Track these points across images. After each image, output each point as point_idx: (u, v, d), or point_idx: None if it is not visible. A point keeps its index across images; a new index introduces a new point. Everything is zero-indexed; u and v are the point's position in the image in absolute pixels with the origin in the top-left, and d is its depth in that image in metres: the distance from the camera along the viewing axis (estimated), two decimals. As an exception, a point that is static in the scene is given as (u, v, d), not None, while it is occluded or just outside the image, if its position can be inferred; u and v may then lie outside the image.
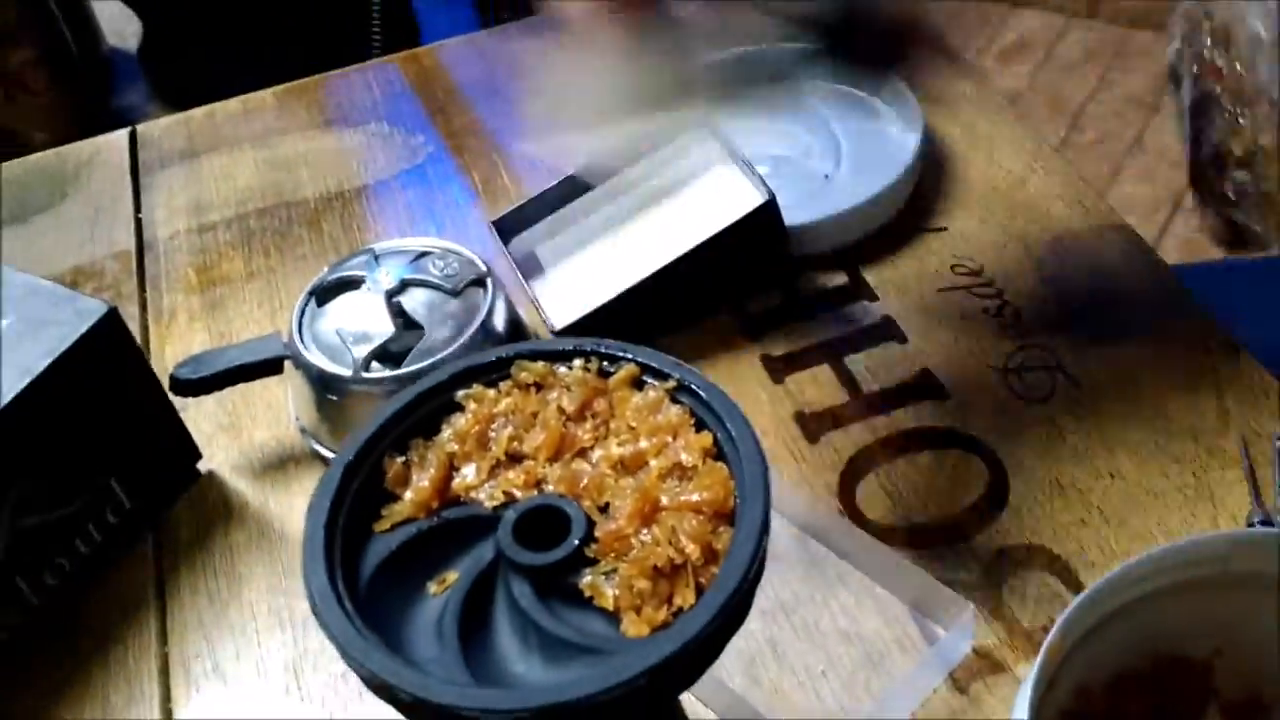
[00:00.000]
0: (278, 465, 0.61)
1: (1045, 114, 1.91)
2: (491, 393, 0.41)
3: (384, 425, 0.40)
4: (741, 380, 0.61)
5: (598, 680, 0.33)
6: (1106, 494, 0.54)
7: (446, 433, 0.40)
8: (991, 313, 0.63)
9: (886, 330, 0.63)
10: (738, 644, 0.51)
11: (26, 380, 0.51)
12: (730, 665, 0.51)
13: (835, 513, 0.55)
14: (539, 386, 0.41)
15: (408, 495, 0.40)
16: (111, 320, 0.55)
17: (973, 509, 0.55)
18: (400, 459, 0.40)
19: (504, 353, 0.42)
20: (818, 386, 0.61)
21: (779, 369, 0.62)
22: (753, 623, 0.52)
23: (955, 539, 0.54)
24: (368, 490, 0.40)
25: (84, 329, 0.53)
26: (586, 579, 0.37)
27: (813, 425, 0.59)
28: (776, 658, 0.51)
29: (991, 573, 0.52)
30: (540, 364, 0.41)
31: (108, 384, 0.55)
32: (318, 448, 0.61)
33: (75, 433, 0.54)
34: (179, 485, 0.60)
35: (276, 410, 0.64)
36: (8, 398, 0.50)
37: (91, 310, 0.54)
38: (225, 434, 0.63)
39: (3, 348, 0.52)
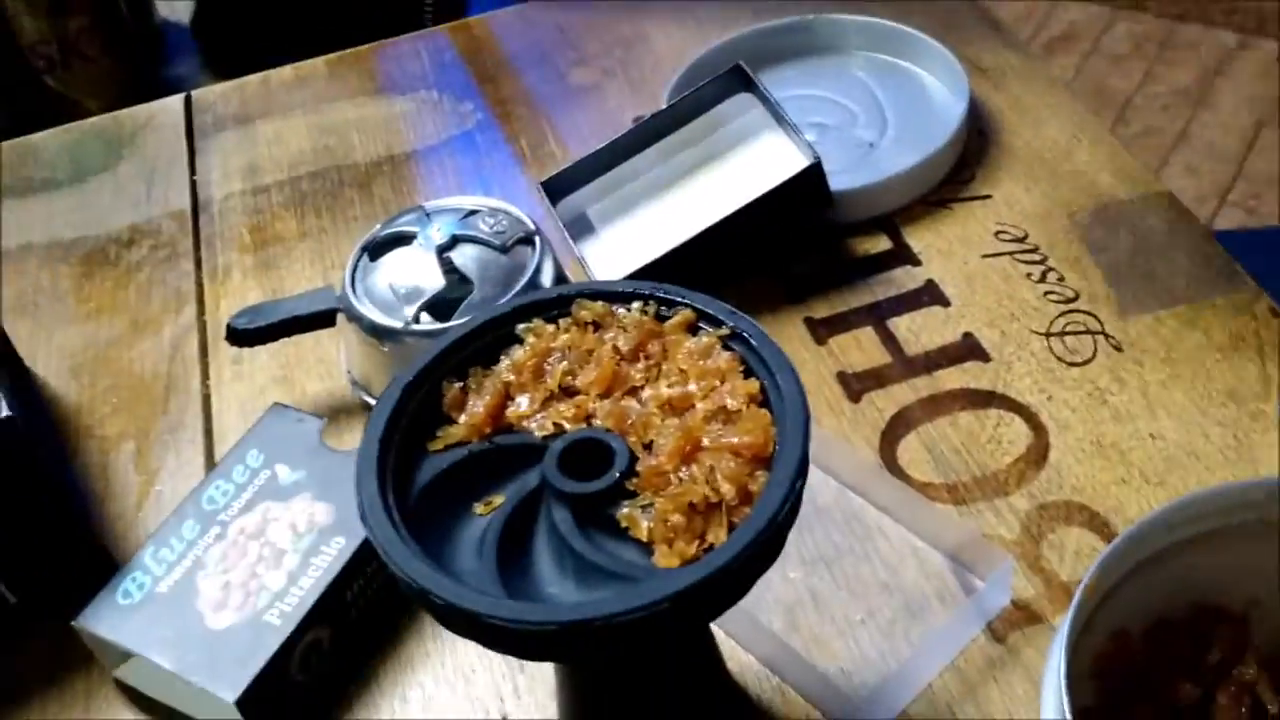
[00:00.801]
0: (329, 416, 0.63)
1: (1091, 106, 1.90)
2: (551, 328, 0.42)
3: (445, 351, 0.41)
4: (784, 341, 0.62)
5: (622, 601, 0.34)
6: (1147, 454, 0.55)
7: (504, 363, 0.42)
8: (1035, 278, 0.63)
9: (929, 294, 0.63)
10: (778, 592, 0.52)
11: None
12: (771, 612, 0.52)
13: (877, 466, 0.56)
14: (597, 326, 0.42)
15: (462, 419, 0.41)
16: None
17: (1013, 467, 0.55)
18: (458, 385, 0.41)
19: (566, 291, 0.43)
20: (860, 348, 0.61)
21: (822, 331, 0.63)
22: (793, 572, 0.53)
23: (995, 495, 0.54)
24: (425, 411, 0.41)
25: None
26: (624, 510, 0.38)
27: (855, 385, 0.60)
28: (817, 607, 0.52)
29: (1030, 528, 0.53)
30: (600, 304, 0.42)
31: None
32: (368, 399, 0.62)
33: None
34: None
35: (328, 364, 0.65)
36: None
37: None
38: (278, 386, 0.65)
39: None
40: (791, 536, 0.37)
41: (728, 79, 0.68)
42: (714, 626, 0.46)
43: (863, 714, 0.47)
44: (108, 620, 0.50)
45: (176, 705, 0.51)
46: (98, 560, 0.55)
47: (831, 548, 0.54)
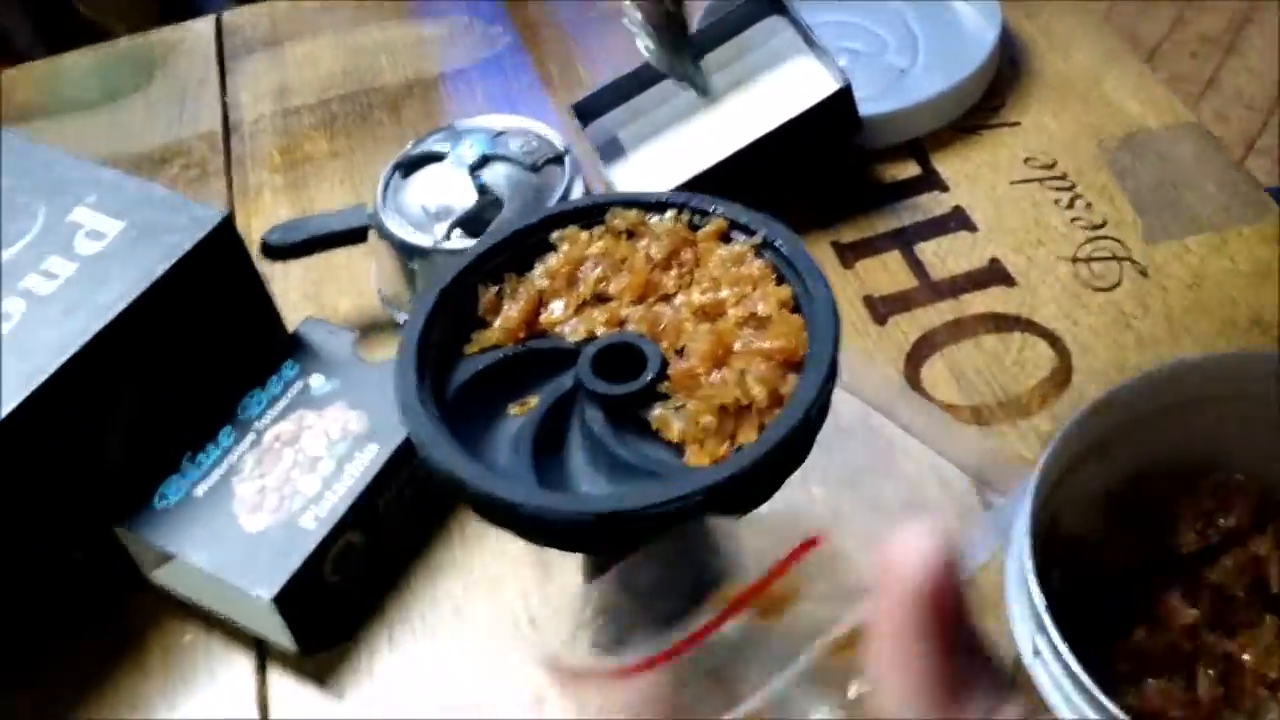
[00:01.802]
0: (360, 332, 0.64)
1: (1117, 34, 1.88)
2: (584, 235, 0.43)
3: (481, 256, 0.42)
4: (812, 264, 0.62)
5: (655, 494, 0.35)
6: (1170, 378, 0.55)
7: (539, 269, 0.42)
8: (1063, 205, 0.63)
9: (957, 220, 0.64)
10: (801, 507, 0.53)
11: (146, 284, 0.52)
12: (794, 530, 0.53)
13: (901, 386, 0.57)
14: (630, 234, 0.43)
15: (497, 323, 0.42)
16: (225, 227, 0.54)
17: (1036, 389, 0.56)
18: (494, 289, 0.42)
19: (600, 200, 0.43)
20: (887, 272, 0.62)
21: (849, 255, 0.63)
22: (816, 489, 0.54)
23: (1017, 417, 0.55)
24: (461, 315, 0.42)
25: (200, 235, 0.53)
26: (656, 412, 0.39)
27: (881, 308, 0.60)
28: (839, 526, 0.53)
29: (1053, 449, 0.53)
30: (634, 212, 0.43)
31: (219, 291, 0.56)
32: (397, 315, 0.63)
33: (187, 339, 0.54)
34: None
35: (359, 281, 0.66)
36: (127, 301, 0.51)
37: (207, 218, 0.54)
38: (309, 302, 0.65)
39: (119, 252, 0.53)
40: (815, 454, 0.38)
41: (759, 2, 0.68)
42: (740, 536, 0.47)
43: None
44: (146, 523, 0.51)
45: (212, 606, 0.52)
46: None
47: (855, 466, 0.54)
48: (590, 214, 0.43)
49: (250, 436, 0.54)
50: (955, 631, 0.25)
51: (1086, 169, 0.65)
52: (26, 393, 0.48)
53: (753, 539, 0.28)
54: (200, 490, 0.52)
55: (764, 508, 0.38)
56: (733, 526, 0.28)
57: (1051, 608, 0.40)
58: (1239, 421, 0.45)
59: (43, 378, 0.49)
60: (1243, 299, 0.58)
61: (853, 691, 0.26)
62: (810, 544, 0.27)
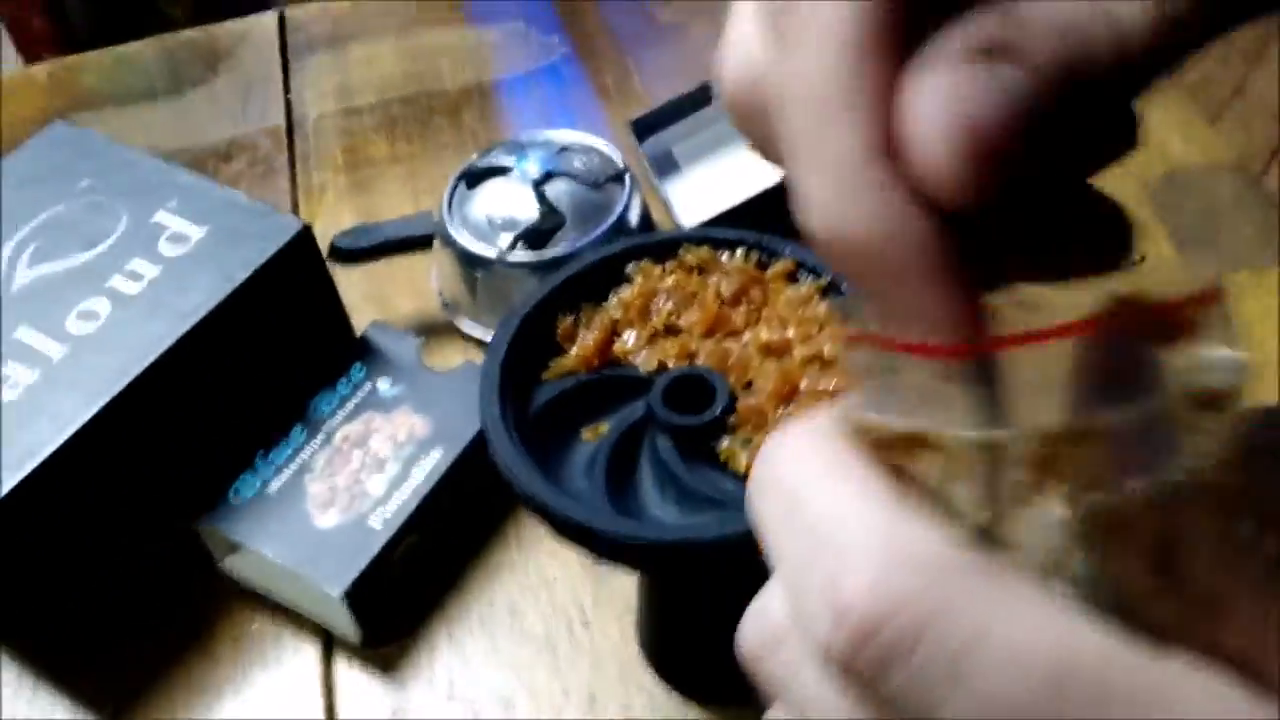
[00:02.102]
0: (419, 333, 0.66)
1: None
2: (658, 270, 0.45)
3: (559, 286, 0.45)
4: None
5: (727, 525, 0.37)
6: (1202, 415, 0.57)
7: (614, 300, 0.45)
8: (1103, 239, 0.65)
9: (1001, 249, 0.66)
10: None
11: (228, 288, 0.54)
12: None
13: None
14: (701, 269, 0.45)
15: (573, 350, 0.44)
16: (304, 236, 0.57)
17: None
18: (571, 318, 0.44)
19: (673, 235, 0.46)
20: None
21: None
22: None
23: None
24: (540, 342, 0.44)
25: (281, 243, 0.56)
26: (724, 444, 0.41)
27: (924, 333, 0.62)
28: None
29: (1087, 479, 0.56)
30: (705, 249, 0.45)
31: (296, 296, 0.58)
32: (458, 321, 0.66)
33: (264, 341, 0.57)
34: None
35: (418, 284, 0.68)
36: (210, 305, 0.53)
37: (287, 226, 0.56)
38: (372, 304, 0.68)
39: (200, 257, 0.55)
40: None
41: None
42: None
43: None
44: (223, 517, 0.54)
45: (281, 596, 0.55)
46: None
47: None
48: (664, 248, 0.46)
49: (320, 436, 0.56)
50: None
51: (1129, 202, 0.67)
52: (115, 391, 0.51)
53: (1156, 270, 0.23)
54: (273, 487, 0.55)
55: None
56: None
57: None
58: None
59: (129, 378, 0.51)
60: (1274, 337, 0.60)
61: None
62: (1221, 292, 0.22)
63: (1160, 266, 0.32)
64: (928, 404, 0.22)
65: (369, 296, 0.68)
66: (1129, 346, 0.22)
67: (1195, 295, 0.22)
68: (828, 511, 0.23)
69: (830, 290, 0.43)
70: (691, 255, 0.45)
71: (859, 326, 0.23)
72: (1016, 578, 0.21)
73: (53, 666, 0.54)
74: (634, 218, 0.64)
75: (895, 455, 0.23)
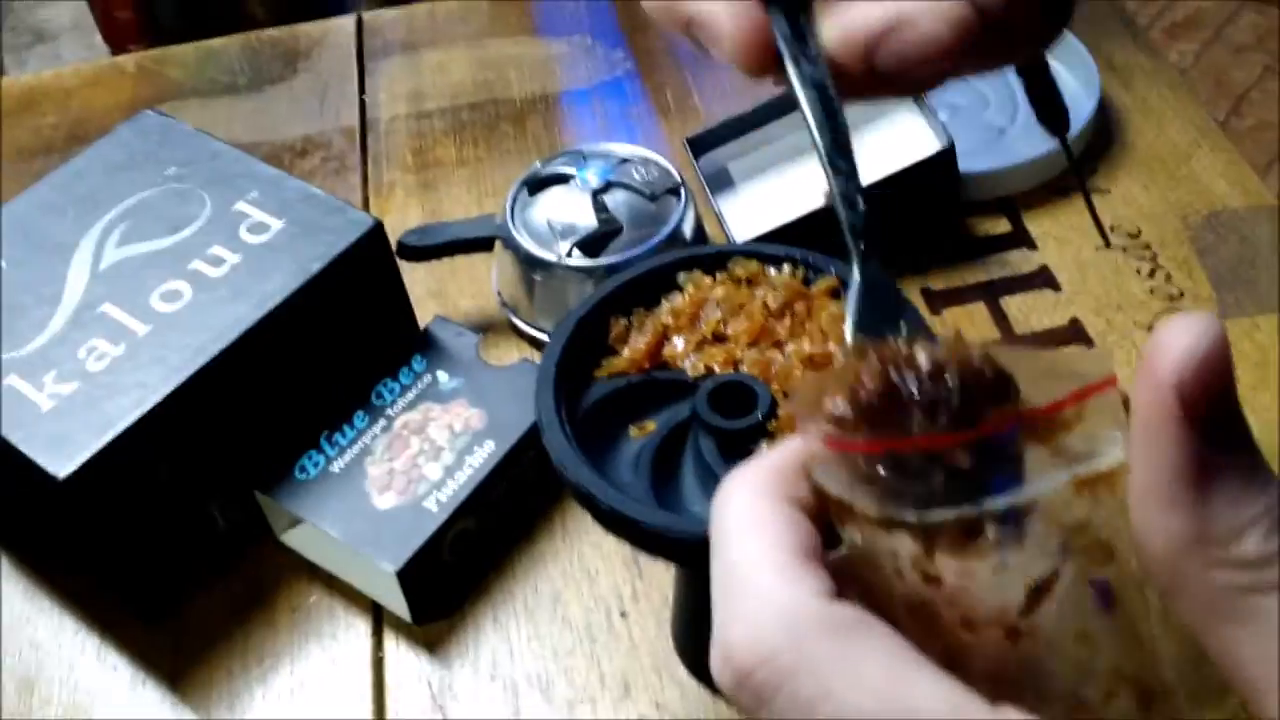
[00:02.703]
0: (478, 330, 0.69)
1: (1207, 95, 1.90)
2: (708, 280, 0.48)
3: (614, 291, 0.47)
4: (901, 308, 0.67)
5: None
6: (1229, 449, 0.59)
7: (665, 307, 0.47)
8: (1144, 274, 0.67)
9: (1042, 278, 0.68)
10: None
11: (304, 278, 0.57)
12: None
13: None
14: (750, 282, 0.48)
15: (625, 352, 0.47)
16: (376, 231, 0.60)
17: (1102, 447, 0.60)
18: (624, 321, 0.47)
19: (725, 249, 0.48)
20: (972, 322, 0.66)
21: (938, 302, 0.68)
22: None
23: (1083, 471, 0.59)
24: (593, 343, 0.47)
25: (354, 238, 0.59)
26: (764, 448, 0.44)
27: (963, 356, 0.65)
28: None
29: (1113, 504, 0.58)
30: (754, 263, 0.48)
31: (366, 288, 0.61)
32: (515, 320, 0.69)
33: (333, 329, 0.60)
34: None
35: (479, 283, 0.71)
36: (286, 292, 0.56)
37: (361, 221, 0.60)
38: (434, 299, 0.71)
39: (278, 247, 0.59)
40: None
41: (872, 56, 0.72)
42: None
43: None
44: (287, 493, 0.57)
45: (336, 571, 0.58)
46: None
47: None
48: (715, 260, 0.48)
49: (382, 422, 0.59)
50: (1212, 423, 0.24)
51: (1169, 241, 0.69)
52: (195, 368, 0.54)
53: (1047, 369, 0.29)
54: (336, 467, 0.58)
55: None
56: (1027, 356, 0.29)
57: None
58: None
59: (208, 356, 0.55)
60: (1305, 380, 0.62)
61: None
62: (1107, 383, 0.27)
63: (1069, 355, 0.38)
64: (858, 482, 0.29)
65: (432, 293, 0.71)
66: (1010, 447, 0.28)
67: (1073, 395, 0.27)
68: (736, 559, 0.29)
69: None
70: (741, 268, 0.48)
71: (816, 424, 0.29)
72: (869, 634, 0.26)
73: (117, 625, 0.58)
74: (688, 230, 0.67)
75: (839, 511, 0.29)
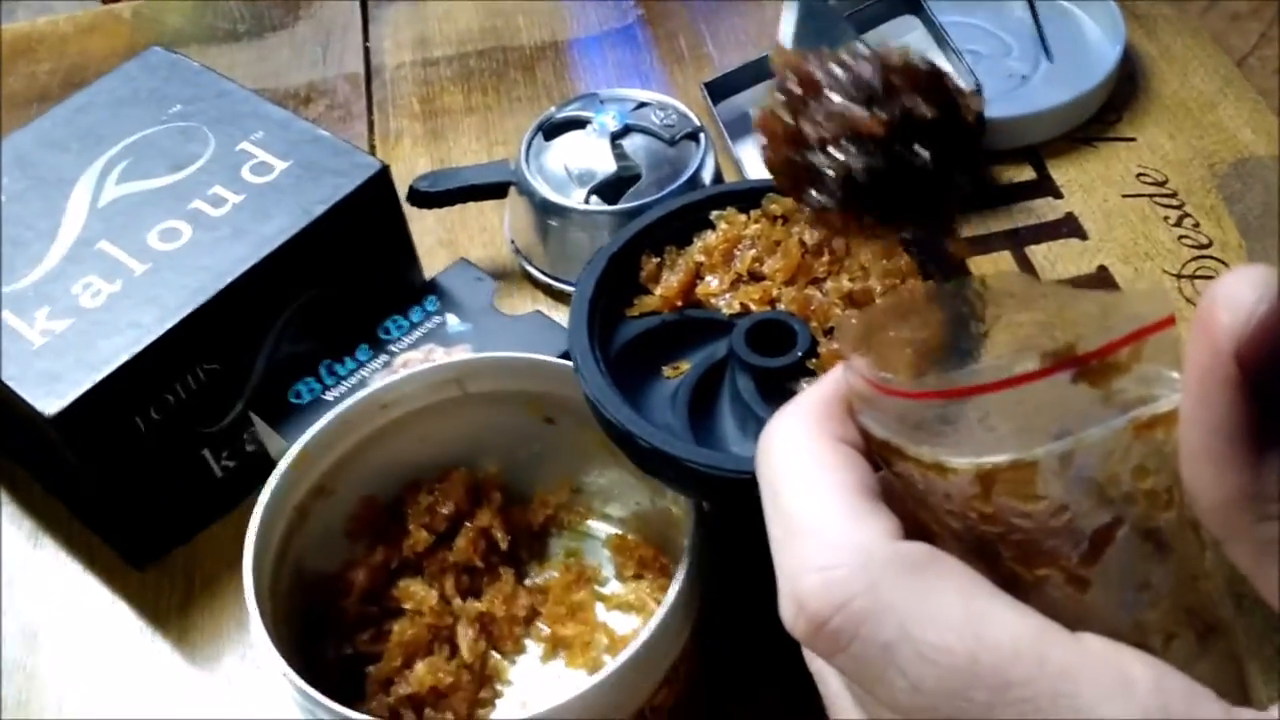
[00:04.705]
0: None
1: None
2: (742, 217, 0.46)
3: (646, 228, 0.46)
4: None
5: None
6: (1262, 398, 0.58)
7: (697, 244, 0.46)
8: (1171, 222, 0.66)
9: (1068, 226, 0.66)
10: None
11: (306, 220, 0.56)
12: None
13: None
14: (784, 219, 0.46)
15: (658, 291, 0.45)
16: (382, 176, 0.58)
17: (1132, 396, 0.59)
18: (656, 259, 0.46)
19: (758, 184, 0.47)
20: (998, 270, 0.65)
21: (964, 250, 0.66)
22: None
23: (1113, 420, 0.58)
24: (625, 280, 0.45)
25: (360, 181, 0.57)
26: (803, 386, 0.42)
27: (988, 305, 0.63)
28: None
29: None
30: (790, 199, 0.46)
31: (370, 232, 0.59)
32: (529, 268, 0.67)
33: (337, 270, 0.58)
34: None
35: (490, 232, 0.70)
36: (288, 235, 0.55)
37: (367, 164, 0.58)
38: (444, 248, 0.69)
39: (282, 188, 0.57)
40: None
41: (896, -1, 0.71)
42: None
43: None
44: (278, 415, 0.55)
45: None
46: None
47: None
48: (748, 197, 0.47)
49: (384, 357, 0.58)
50: (1270, 388, 0.23)
51: (1196, 190, 0.67)
52: (191, 308, 0.53)
53: (1102, 310, 0.28)
54: (330, 395, 0.56)
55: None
56: (1082, 297, 0.29)
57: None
58: (435, 428, 0.51)
59: (206, 296, 0.53)
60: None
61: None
62: (1165, 323, 0.26)
63: (1125, 296, 0.38)
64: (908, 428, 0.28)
65: (443, 241, 0.70)
66: (1063, 390, 0.27)
67: (1130, 334, 0.26)
68: (799, 505, 0.28)
69: (913, 243, 0.45)
70: (776, 205, 0.46)
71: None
72: (943, 571, 0.26)
73: (122, 571, 0.56)
74: (707, 175, 0.65)
75: (885, 452, 0.29)
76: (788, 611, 0.27)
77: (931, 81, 0.32)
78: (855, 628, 0.26)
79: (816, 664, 0.31)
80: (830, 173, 0.32)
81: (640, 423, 0.40)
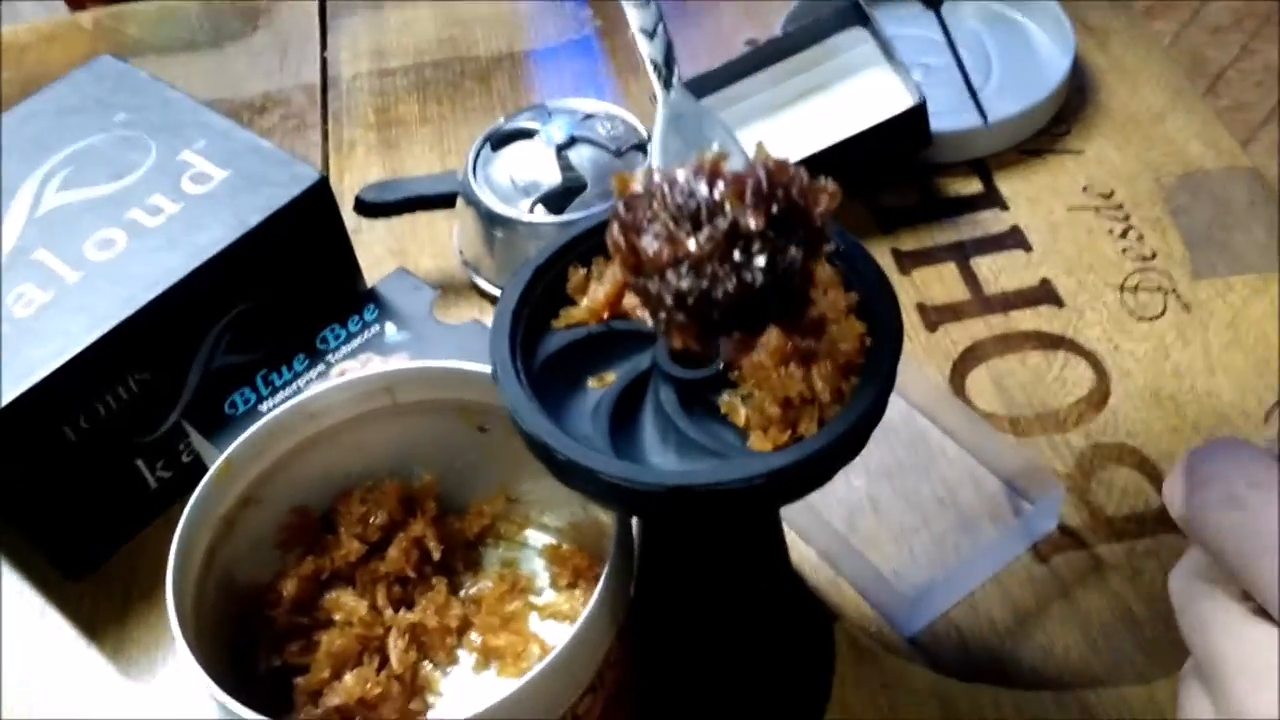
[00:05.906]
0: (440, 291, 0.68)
1: (1184, 74, 1.89)
2: (670, 229, 0.46)
3: (573, 240, 0.46)
4: (870, 268, 0.66)
5: (725, 472, 0.38)
6: (1201, 410, 0.58)
7: (626, 256, 0.46)
8: (1116, 234, 0.66)
9: (1013, 238, 0.67)
10: (842, 495, 0.57)
11: (241, 230, 0.55)
12: (833, 512, 0.56)
13: (946, 391, 0.60)
14: (712, 230, 0.46)
15: (584, 302, 0.45)
16: (321, 186, 0.58)
17: (1074, 407, 0.59)
18: (583, 270, 0.46)
19: (685, 194, 0.47)
20: (942, 283, 0.65)
21: (907, 263, 0.66)
22: (857, 480, 0.57)
23: (1053, 431, 0.58)
24: (551, 292, 0.45)
25: (297, 192, 0.57)
26: (725, 398, 0.42)
27: (933, 316, 0.64)
28: (876, 513, 0.56)
29: (1083, 465, 0.57)
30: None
31: (309, 243, 0.59)
32: (477, 279, 0.67)
33: (274, 281, 0.58)
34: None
35: (440, 243, 0.70)
36: (222, 245, 0.55)
37: (305, 175, 0.58)
38: (393, 258, 0.69)
39: (219, 198, 0.57)
40: (861, 447, 0.41)
41: (844, 12, 0.71)
42: (782, 517, 0.50)
43: (909, 610, 0.52)
44: (212, 426, 0.55)
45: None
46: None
47: (895, 462, 0.58)
48: (677, 208, 0.47)
49: (320, 367, 0.58)
50: None
51: (1143, 202, 0.68)
52: (122, 317, 0.52)
53: None
54: (265, 406, 0.56)
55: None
56: None
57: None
58: (367, 438, 0.51)
59: (137, 306, 0.53)
60: (1277, 340, 0.61)
61: None
62: None
63: None
64: None
65: (392, 251, 0.70)
66: None
67: None
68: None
69: (837, 255, 0.44)
70: (704, 216, 0.46)
71: None
72: None
73: (57, 583, 0.56)
74: (654, 187, 0.65)
75: None
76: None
77: (773, 185, 0.32)
78: None
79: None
80: (666, 298, 0.33)
81: (557, 434, 0.40)
